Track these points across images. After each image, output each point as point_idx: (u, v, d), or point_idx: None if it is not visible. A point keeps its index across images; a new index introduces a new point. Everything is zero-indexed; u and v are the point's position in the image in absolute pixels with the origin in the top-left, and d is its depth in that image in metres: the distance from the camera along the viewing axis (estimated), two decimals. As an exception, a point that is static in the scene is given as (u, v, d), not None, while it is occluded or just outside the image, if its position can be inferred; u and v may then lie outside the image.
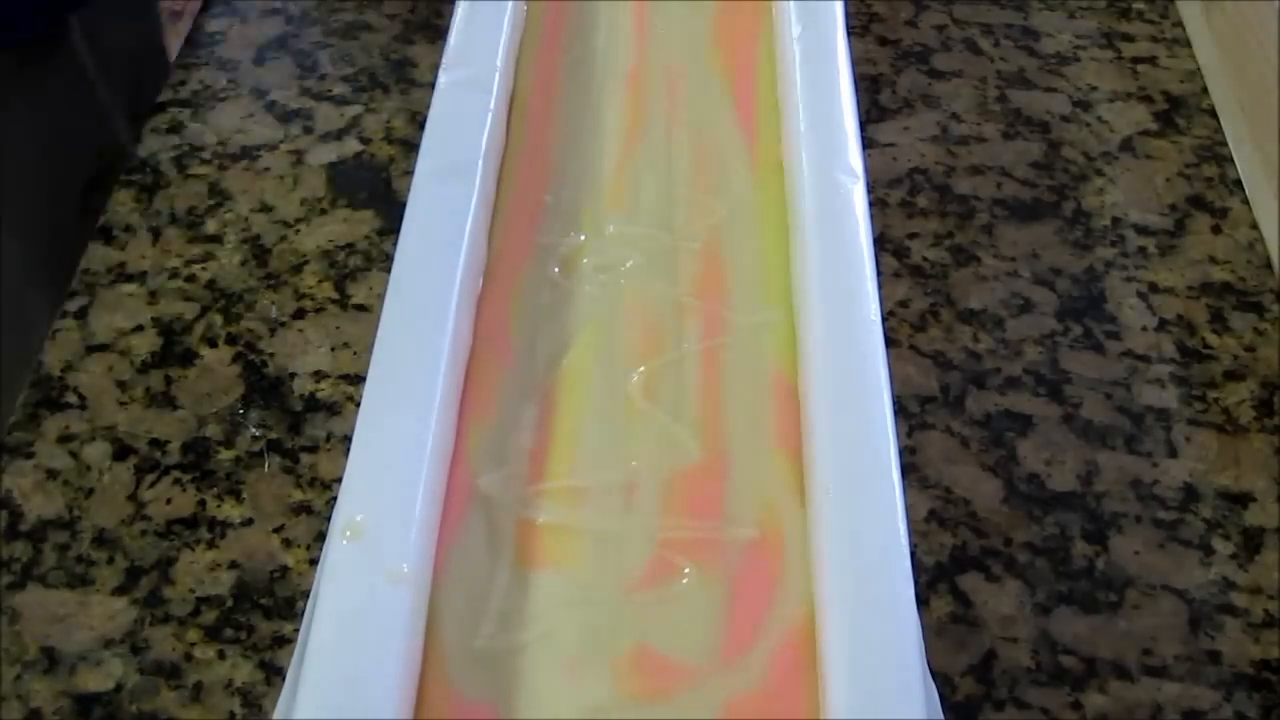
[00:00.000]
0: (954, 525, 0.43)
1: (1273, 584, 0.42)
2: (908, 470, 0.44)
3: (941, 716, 0.36)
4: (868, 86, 0.59)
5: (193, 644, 0.40)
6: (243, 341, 0.48)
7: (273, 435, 0.45)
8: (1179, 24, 0.63)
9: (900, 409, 0.46)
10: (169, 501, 0.43)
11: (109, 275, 0.51)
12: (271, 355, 0.48)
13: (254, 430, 0.45)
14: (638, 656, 0.37)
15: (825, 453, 0.39)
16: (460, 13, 0.54)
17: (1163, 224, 0.54)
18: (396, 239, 0.45)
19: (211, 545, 0.42)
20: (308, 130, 0.57)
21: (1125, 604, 0.41)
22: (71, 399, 0.46)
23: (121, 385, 0.47)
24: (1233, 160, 0.56)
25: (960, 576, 0.42)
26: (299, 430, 0.45)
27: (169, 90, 0.59)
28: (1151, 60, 0.61)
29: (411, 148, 0.53)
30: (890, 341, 0.46)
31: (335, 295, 0.50)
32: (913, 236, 0.53)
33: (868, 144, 0.56)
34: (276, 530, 0.43)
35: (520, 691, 0.36)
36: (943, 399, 0.47)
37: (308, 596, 0.37)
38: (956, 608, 0.41)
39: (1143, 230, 0.53)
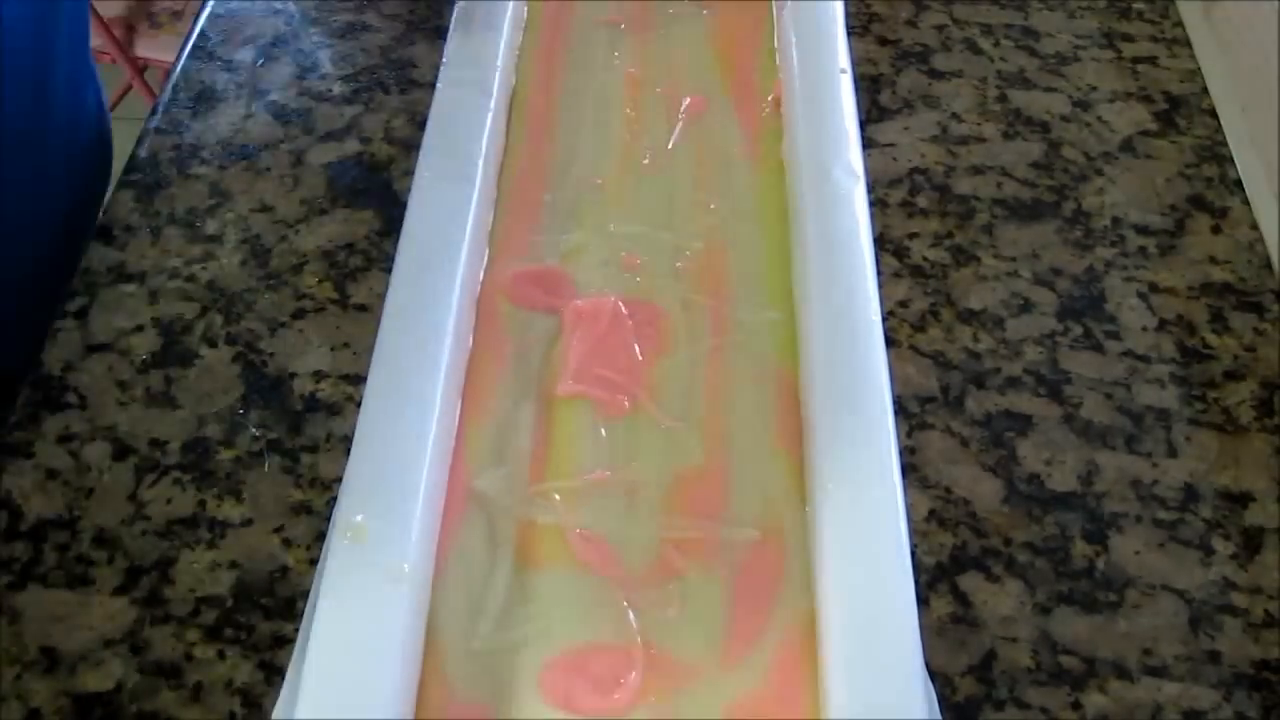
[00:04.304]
0: (954, 525, 0.43)
1: (1273, 584, 0.42)
2: (908, 470, 0.44)
3: (940, 716, 0.36)
4: (868, 86, 0.59)
5: (193, 644, 0.40)
6: (243, 341, 0.48)
7: (273, 435, 0.45)
8: (1179, 24, 0.63)
9: (900, 409, 0.46)
10: (169, 501, 0.43)
11: (109, 275, 0.50)
12: (271, 355, 0.48)
13: (254, 430, 0.45)
14: (639, 657, 0.37)
15: (826, 453, 0.39)
16: (460, 13, 0.54)
17: (1163, 224, 0.54)
18: (396, 239, 0.45)
19: (211, 545, 0.42)
20: (308, 130, 0.57)
21: (1125, 604, 0.41)
22: (71, 399, 0.46)
23: (121, 385, 0.47)
24: (1233, 160, 0.56)
25: (960, 576, 0.42)
26: (299, 430, 0.45)
27: (169, 90, 0.59)
28: (1151, 60, 0.61)
29: (411, 148, 0.53)
30: (890, 341, 0.46)
31: (335, 295, 0.50)
32: (913, 236, 0.53)
33: (868, 144, 0.56)
34: (276, 530, 0.43)
35: (518, 692, 0.36)
36: (943, 399, 0.47)
37: (308, 596, 0.37)
38: (956, 608, 0.41)
39: (1143, 230, 0.53)
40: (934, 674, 0.39)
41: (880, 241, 0.52)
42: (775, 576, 0.39)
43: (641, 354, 0.44)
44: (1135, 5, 0.64)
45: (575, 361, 0.43)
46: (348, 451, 0.39)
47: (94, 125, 0.62)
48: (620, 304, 0.45)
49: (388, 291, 0.43)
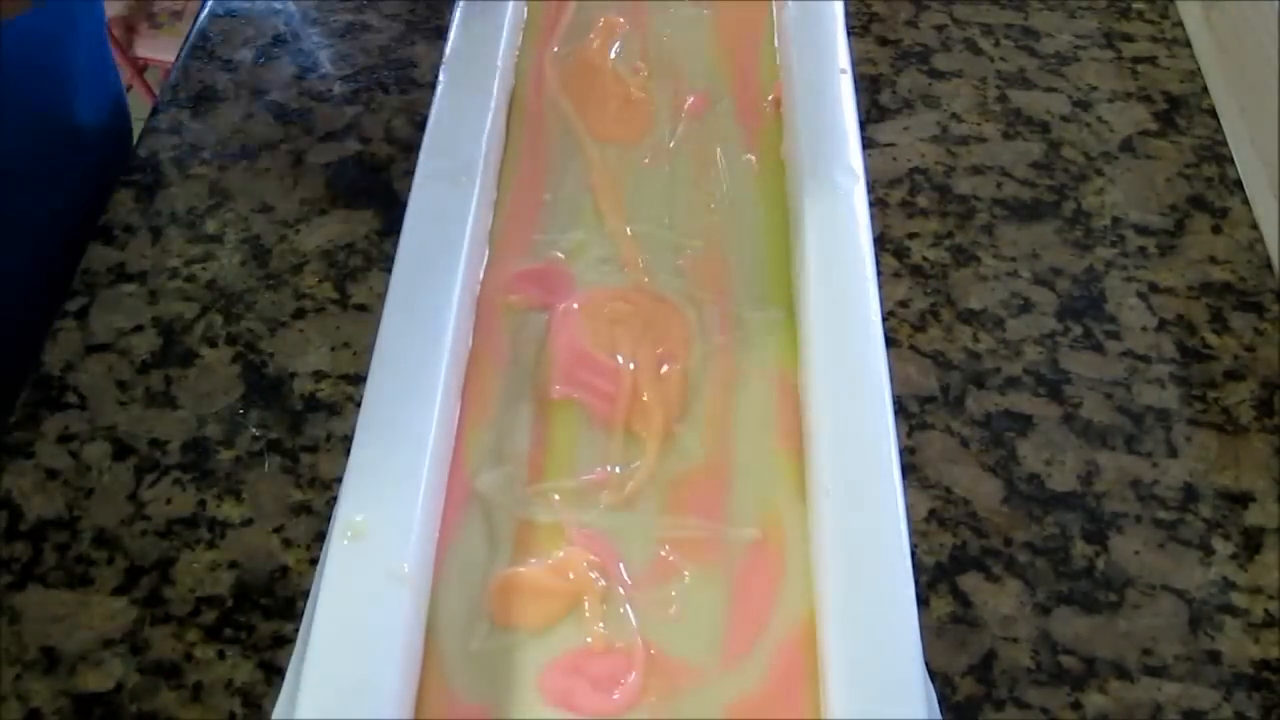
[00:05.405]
0: (954, 525, 0.43)
1: (1273, 584, 0.42)
2: (908, 470, 0.44)
3: (940, 716, 0.36)
4: (868, 86, 0.59)
5: (193, 644, 0.40)
6: (243, 341, 0.48)
7: (273, 435, 0.45)
8: (1179, 24, 0.63)
9: (900, 409, 0.46)
10: (169, 501, 0.43)
11: (109, 275, 0.51)
12: (271, 355, 0.48)
13: (254, 430, 0.45)
14: (639, 657, 0.37)
15: (826, 453, 0.39)
16: (460, 13, 0.54)
17: (1163, 224, 0.54)
18: (396, 239, 0.45)
19: (211, 545, 0.42)
20: (308, 130, 0.57)
21: (1125, 604, 0.41)
22: (71, 399, 0.46)
23: (121, 385, 0.47)
24: (1233, 160, 0.56)
25: (960, 576, 0.42)
26: (299, 430, 0.45)
27: (169, 90, 0.59)
28: (1151, 60, 0.61)
29: (411, 148, 0.52)
30: (890, 341, 0.46)
31: (335, 295, 0.50)
32: (913, 236, 0.53)
33: (868, 144, 0.56)
34: (276, 530, 0.43)
35: (518, 693, 0.36)
36: (943, 399, 0.47)
37: (308, 596, 0.37)
38: (956, 608, 0.41)
39: (1143, 230, 0.53)
40: (934, 674, 0.39)
41: (880, 241, 0.52)
42: (775, 576, 0.39)
43: (640, 353, 0.44)
44: (1135, 5, 0.64)
45: (563, 364, 0.43)
46: (348, 451, 0.39)
47: (116, 117, 0.63)
48: (613, 301, 0.45)
49: (388, 291, 0.43)
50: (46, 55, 0.55)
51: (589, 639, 0.37)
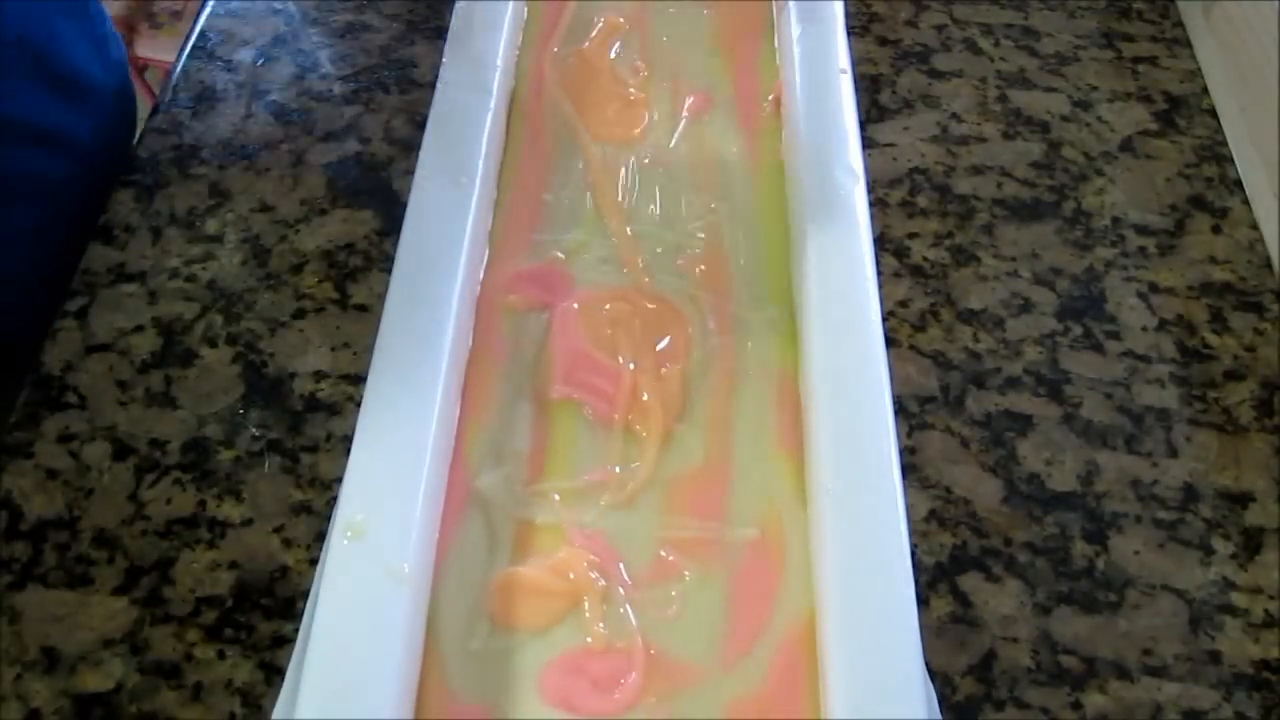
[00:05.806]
0: (954, 525, 0.43)
1: (1273, 584, 0.42)
2: (908, 470, 0.44)
3: (940, 716, 0.36)
4: (868, 86, 0.59)
5: (193, 644, 0.40)
6: (243, 341, 0.48)
7: (273, 435, 0.45)
8: (1179, 24, 0.63)
9: (900, 409, 0.46)
10: (169, 501, 0.43)
11: (109, 275, 0.50)
12: (271, 355, 0.48)
13: (254, 430, 0.45)
14: (639, 657, 0.37)
15: (826, 453, 0.39)
16: (460, 13, 0.54)
17: (1163, 224, 0.54)
18: (396, 239, 0.45)
19: (211, 545, 0.42)
20: (308, 130, 0.57)
21: (1125, 604, 0.41)
22: (71, 399, 0.46)
23: (121, 385, 0.47)
24: (1233, 160, 0.56)
25: (960, 576, 0.42)
26: (299, 430, 0.45)
27: (169, 90, 0.59)
28: (1151, 60, 0.61)
29: (411, 148, 0.53)
30: (890, 341, 0.46)
31: (335, 295, 0.50)
32: (913, 236, 0.53)
33: (868, 144, 0.56)
34: (276, 530, 0.43)
35: (517, 693, 0.36)
36: (943, 399, 0.47)
37: (308, 596, 0.37)
38: (956, 608, 0.41)
39: (1143, 230, 0.53)
40: (934, 674, 0.39)
41: (880, 241, 0.52)
42: (775, 576, 0.39)
43: (640, 353, 0.44)
44: (1135, 5, 0.64)
45: (563, 364, 0.43)
46: (348, 451, 0.39)
47: (117, 76, 0.63)
48: (613, 301, 0.45)
49: (388, 291, 0.43)
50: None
51: (589, 639, 0.37)
